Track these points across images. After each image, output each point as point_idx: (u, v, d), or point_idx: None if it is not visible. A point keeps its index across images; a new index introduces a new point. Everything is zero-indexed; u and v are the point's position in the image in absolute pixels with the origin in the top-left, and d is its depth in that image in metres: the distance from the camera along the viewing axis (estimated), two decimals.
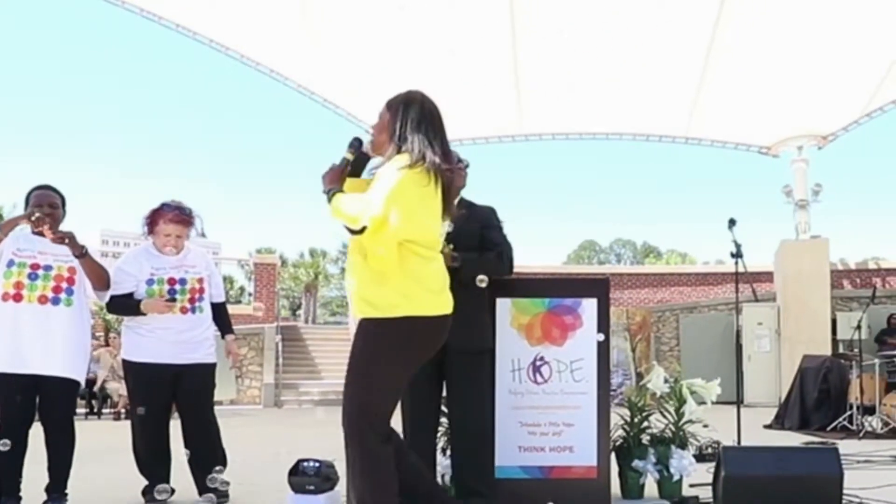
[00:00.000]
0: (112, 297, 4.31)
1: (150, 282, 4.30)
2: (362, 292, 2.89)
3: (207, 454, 4.34)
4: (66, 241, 3.86)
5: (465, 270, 3.71)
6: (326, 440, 4.68)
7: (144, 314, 4.22)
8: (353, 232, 2.83)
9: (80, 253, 3.91)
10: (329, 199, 2.85)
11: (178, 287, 4.33)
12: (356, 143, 2.93)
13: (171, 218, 4.30)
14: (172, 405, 4.45)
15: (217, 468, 4.27)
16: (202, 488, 4.32)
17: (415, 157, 2.82)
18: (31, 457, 3.95)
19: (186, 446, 4.37)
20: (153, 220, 4.35)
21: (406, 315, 2.87)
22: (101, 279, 4.04)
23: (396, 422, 3.09)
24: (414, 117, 2.92)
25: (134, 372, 4.33)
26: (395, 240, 2.84)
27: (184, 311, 4.30)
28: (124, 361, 4.42)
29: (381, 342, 2.89)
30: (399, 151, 2.87)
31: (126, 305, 4.29)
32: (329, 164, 2.91)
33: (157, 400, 4.30)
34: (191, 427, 4.36)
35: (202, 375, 4.37)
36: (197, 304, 4.36)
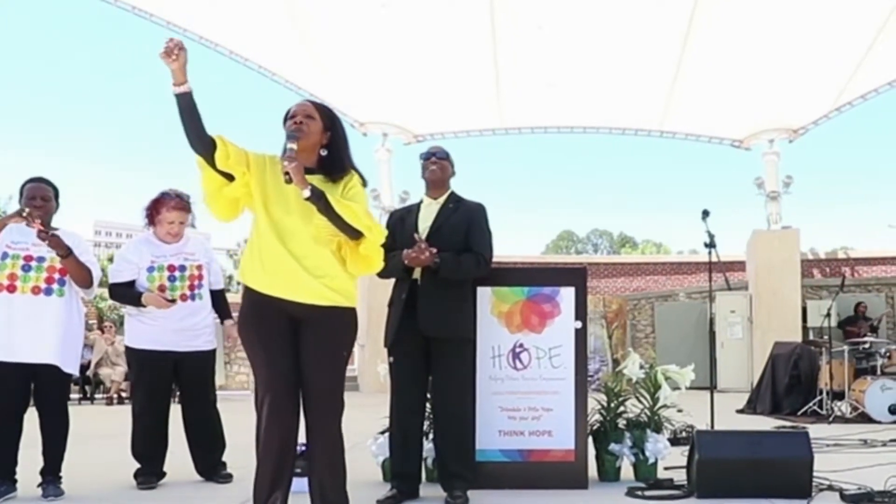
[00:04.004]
0: (114, 285, 4.40)
1: (150, 269, 4.38)
2: (336, 284, 2.97)
3: (208, 439, 4.48)
4: (48, 241, 3.90)
5: (442, 272, 3.84)
6: None
7: (144, 306, 4.30)
8: (354, 237, 2.96)
9: (64, 253, 3.96)
10: (321, 200, 2.87)
11: (177, 274, 4.40)
12: (295, 136, 2.97)
13: (173, 205, 4.38)
14: (172, 391, 4.55)
15: (223, 473, 4.42)
16: (202, 471, 4.46)
17: (362, 179, 3.11)
18: (25, 441, 4.02)
19: (187, 431, 4.46)
20: (155, 208, 4.42)
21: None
22: (83, 279, 4.08)
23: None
24: None
25: (136, 359, 4.41)
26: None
27: (183, 298, 4.37)
28: (127, 348, 4.50)
29: (354, 330, 3.08)
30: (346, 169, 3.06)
31: (127, 295, 4.36)
32: (287, 153, 2.88)
33: (159, 386, 4.39)
34: (192, 413, 4.47)
35: (202, 363, 4.48)
36: (196, 291, 4.44)
